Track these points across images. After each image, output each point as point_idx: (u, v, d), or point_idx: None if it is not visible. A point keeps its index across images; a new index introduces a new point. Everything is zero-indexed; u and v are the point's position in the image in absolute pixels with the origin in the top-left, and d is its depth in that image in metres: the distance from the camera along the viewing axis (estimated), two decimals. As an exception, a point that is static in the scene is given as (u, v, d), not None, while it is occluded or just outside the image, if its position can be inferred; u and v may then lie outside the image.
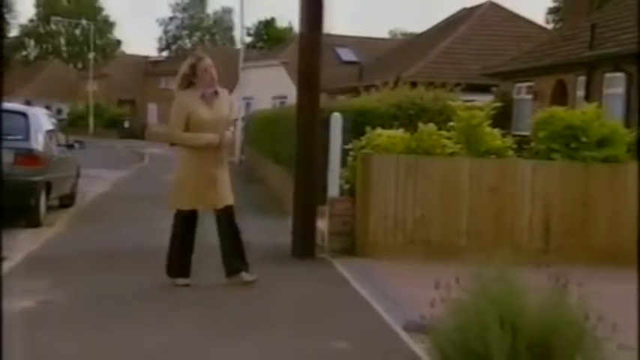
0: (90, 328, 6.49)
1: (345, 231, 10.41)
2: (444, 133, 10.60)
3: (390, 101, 14.34)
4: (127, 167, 28.68)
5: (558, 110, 10.70)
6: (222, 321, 6.89)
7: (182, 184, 8.16)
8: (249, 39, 79.79)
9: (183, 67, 8.10)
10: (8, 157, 11.76)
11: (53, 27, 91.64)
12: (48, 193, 13.15)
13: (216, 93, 8.12)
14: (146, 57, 78.42)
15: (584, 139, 10.22)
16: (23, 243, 10.66)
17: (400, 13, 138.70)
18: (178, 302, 7.57)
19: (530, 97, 22.82)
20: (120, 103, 70.74)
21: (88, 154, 23.35)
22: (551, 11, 54.93)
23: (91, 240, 11.41)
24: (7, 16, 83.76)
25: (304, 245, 10.03)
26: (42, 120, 13.79)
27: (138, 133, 62.73)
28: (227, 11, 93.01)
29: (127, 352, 5.87)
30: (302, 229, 10.07)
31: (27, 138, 12.64)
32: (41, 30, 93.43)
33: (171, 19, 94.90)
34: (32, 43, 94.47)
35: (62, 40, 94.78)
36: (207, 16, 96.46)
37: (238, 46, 47.01)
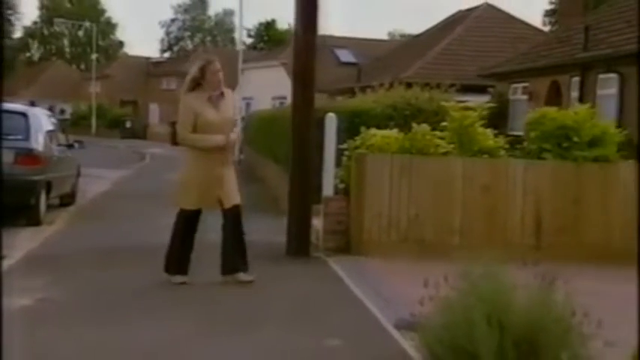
0: (87, 325, 6.48)
1: (339, 230, 10.42)
2: (438, 133, 10.61)
3: (386, 102, 14.34)
4: (128, 167, 28.70)
5: (550, 111, 10.72)
6: (218, 318, 6.90)
7: (188, 184, 8.17)
8: (249, 40, 79.94)
9: (193, 70, 8.11)
10: (8, 157, 11.79)
11: (56, 28, 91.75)
12: (48, 192, 13.17)
13: (222, 94, 8.16)
14: (148, 58, 78.37)
15: (575, 139, 10.24)
16: (23, 241, 10.65)
17: (399, 15, 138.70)
18: (175, 300, 7.57)
19: (525, 97, 22.80)
20: (122, 104, 70.70)
21: (89, 154, 23.36)
22: (548, 13, 54.97)
23: (91, 238, 11.42)
24: (11, 17, 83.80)
25: (299, 244, 10.03)
26: (42, 120, 13.81)
27: (139, 133, 62.77)
28: (228, 13, 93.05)
29: (124, 349, 5.87)
30: (297, 228, 10.07)
31: (27, 138, 12.66)
32: (45, 31, 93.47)
33: (172, 20, 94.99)
34: (36, 44, 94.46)
35: (65, 42, 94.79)
36: (209, 18, 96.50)
37: (238, 47, 46.97)
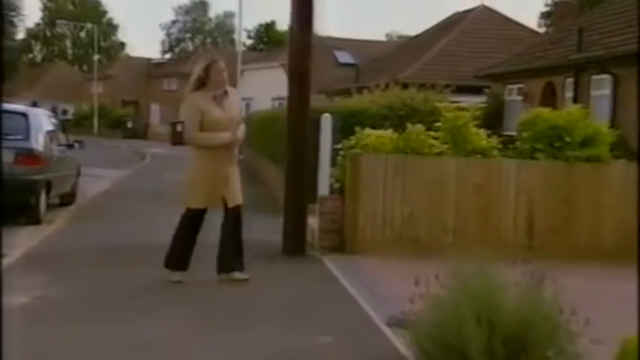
0: (83, 323, 6.49)
1: (334, 229, 10.42)
2: (432, 133, 10.62)
3: (382, 102, 14.38)
4: (129, 166, 28.68)
5: (543, 111, 10.73)
6: (214, 317, 6.90)
7: (196, 183, 8.14)
8: (250, 41, 79.98)
9: (197, 70, 8.10)
10: (9, 157, 11.79)
11: (59, 30, 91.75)
12: (48, 191, 13.16)
13: (226, 93, 8.15)
14: (149, 59, 78.41)
15: (568, 139, 10.24)
16: (23, 240, 10.64)
17: (397, 16, 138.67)
18: (173, 298, 7.57)
19: (520, 98, 22.80)
20: (124, 104, 70.72)
21: (90, 154, 23.32)
22: (544, 15, 54.97)
23: (90, 237, 11.41)
24: (14, 19, 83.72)
25: (295, 243, 10.03)
26: (42, 120, 13.80)
27: (141, 133, 62.80)
28: (229, 15, 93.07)
29: (120, 346, 5.87)
30: (293, 227, 10.07)
31: (27, 138, 12.65)
32: (47, 33, 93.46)
33: (173, 22, 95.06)
34: (38, 45, 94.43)
35: (68, 43, 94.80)
36: (209, 19, 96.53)
37: (238, 48, 46.97)
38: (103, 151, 34.75)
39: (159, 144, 48.40)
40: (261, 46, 77.63)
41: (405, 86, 16.01)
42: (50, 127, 14.14)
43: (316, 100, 20.12)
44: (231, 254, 8.20)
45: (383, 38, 71.93)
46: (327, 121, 10.69)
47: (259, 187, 18.92)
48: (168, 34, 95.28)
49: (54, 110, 70.85)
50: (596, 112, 17.21)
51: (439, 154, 10.44)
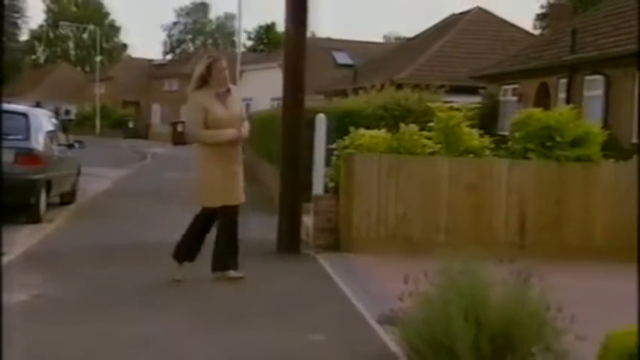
0: (80, 320, 6.50)
1: (329, 227, 10.42)
2: (425, 133, 10.62)
3: (377, 102, 14.38)
4: (129, 166, 28.66)
5: (535, 111, 10.74)
6: (208, 314, 6.91)
7: (211, 182, 8.08)
8: (250, 43, 79.93)
9: (200, 68, 8.09)
10: (9, 157, 11.81)
11: (62, 31, 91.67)
12: (48, 190, 13.17)
13: (228, 91, 8.15)
14: (150, 60, 78.42)
15: (558, 139, 10.24)
16: (23, 239, 10.64)
17: (395, 18, 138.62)
18: (168, 296, 7.59)
19: (515, 98, 22.82)
20: (125, 105, 70.70)
21: (92, 153, 23.30)
22: (539, 17, 54.92)
23: (89, 235, 11.42)
24: (18, 21, 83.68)
25: (290, 241, 10.04)
26: (42, 121, 13.81)
27: (142, 133, 62.80)
28: (229, 17, 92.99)
29: (117, 343, 5.87)
30: (287, 226, 10.08)
31: (27, 138, 12.66)
32: (50, 34, 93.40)
33: (175, 23, 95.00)
34: (42, 47, 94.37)
35: (70, 44, 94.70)
36: (210, 21, 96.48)
37: (237, 50, 47.01)
38: (104, 151, 34.73)
39: (160, 144, 48.43)
40: (261, 47, 77.55)
41: (399, 87, 16.01)
42: (50, 128, 14.15)
43: (315, 101, 20.18)
44: (226, 253, 8.19)
45: (381, 40, 72.00)
46: (321, 121, 10.70)
47: (256, 186, 18.92)
48: (169, 36, 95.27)
49: (57, 111, 70.94)
50: (588, 113, 17.26)
51: (432, 153, 10.44)
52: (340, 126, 11.75)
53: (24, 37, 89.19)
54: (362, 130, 10.73)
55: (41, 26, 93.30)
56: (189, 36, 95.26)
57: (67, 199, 15.29)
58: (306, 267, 9.39)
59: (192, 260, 8.20)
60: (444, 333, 5.11)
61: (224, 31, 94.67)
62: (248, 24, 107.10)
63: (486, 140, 10.78)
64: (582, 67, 18.90)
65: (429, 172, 10.24)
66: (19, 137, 12.43)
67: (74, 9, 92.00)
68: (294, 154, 10.10)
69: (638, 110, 16.21)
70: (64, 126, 17.05)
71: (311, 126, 10.61)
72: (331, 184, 10.73)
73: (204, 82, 8.07)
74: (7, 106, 12.46)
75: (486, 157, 10.62)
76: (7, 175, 10.81)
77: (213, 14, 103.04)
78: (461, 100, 15.96)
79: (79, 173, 16.33)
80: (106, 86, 71.84)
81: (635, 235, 10.15)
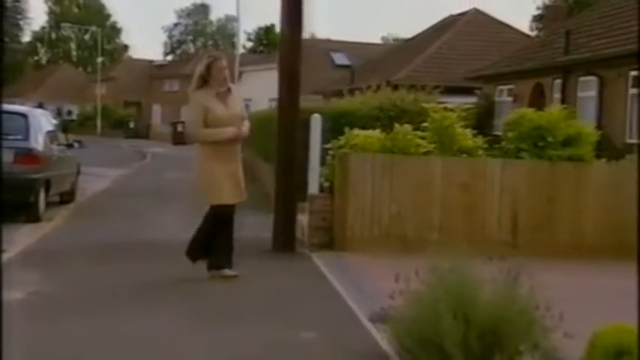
0: (75, 317, 6.48)
1: (324, 226, 10.41)
2: (419, 133, 10.61)
3: (373, 103, 14.36)
4: (129, 165, 28.63)
5: (527, 112, 10.74)
6: (202, 312, 6.90)
7: (217, 180, 8.01)
8: (250, 44, 79.91)
9: (200, 68, 8.08)
10: (9, 156, 11.83)
11: (64, 33, 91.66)
12: (47, 190, 13.16)
13: (229, 90, 8.13)
14: (151, 61, 78.44)
15: (550, 139, 10.24)
16: (22, 237, 10.64)
17: (393, 20, 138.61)
18: (164, 294, 7.57)
19: (510, 99, 22.81)
20: (126, 105, 70.70)
21: (92, 153, 23.30)
22: (536, 19, 54.88)
23: (87, 234, 11.42)
24: (20, 22, 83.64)
25: (285, 240, 10.03)
26: (42, 121, 13.81)
27: (142, 133, 62.81)
28: (230, 19, 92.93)
29: (109, 340, 5.87)
30: (283, 225, 10.07)
31: (27, 138, 12.66)
32: (52, 36, 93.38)
33: (175, 25, 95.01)
34: (44, 48, 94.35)
35: (72, 45, 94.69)
36: (211, 22, 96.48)
37: (240, 51, 47.01)
38: (104, 151, 34.74)
39: (160, 143, 48.48)
40: (261, 48, 77.54)
41: (395, 87, 16.00)
42: (50, 128, 14.17)
43: (313, 101, 20.16)
44: (221, 251, 8.18)
45: (379, 41, 71.95)
46: (316, 122, 10.70)
47: (253, 185, 18.93)
48: (170, 37, 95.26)
49: (59, 111, 71.08)
50: (582, 113, 17.27)
51: (426, 153, 10.44)
52: (336, 126, 11.73)
53: (26, 38, 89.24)
54: (356, 130, 10.72)
55: (43, 28, 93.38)
56: (190, 37, 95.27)
57: (67, 198, 15.29)
58: (301, 265, 9.38)
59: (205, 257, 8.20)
60: (434, 331, 5.10)
61: (224, 32, 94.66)
62: (249, 25, 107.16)
63: (479, 140, 10.77)
64: (576, 68, 18.90)
65: (423, 172, 10.23)
66: (19, 137, 12.44)
67: (76, 10, 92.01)
68: (289, 153, 10.09)
69: (639, 111, 16.20)
70: (66, 126, 17.08)
71: (306, 126, 10.60)
72: (326, 184, 10.72)
73: (204, 81, 8.05)
74: (7, 107, 12.45)
75: (479, 156, 10.61)
76: (6, 174, 10.82)
77: (214, 16, 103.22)
78: (457, 101, 15.96)
79: (78, 173, 16.34)
80: (108, 87, 71.81)
81: (627, 234, 10.18)
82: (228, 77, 8.20)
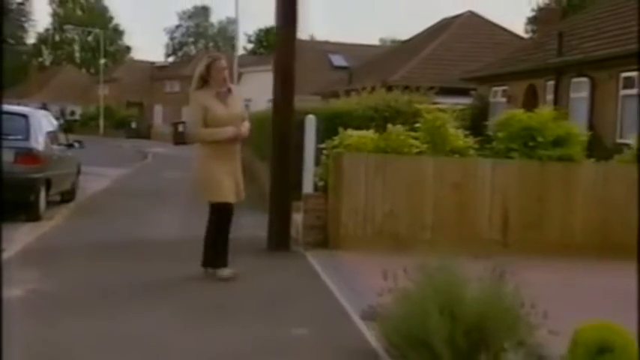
0: (72, 315, 6.47)
1: (318, 225, 10.40)
2: (412, 133, 10.61)
3: (368, 104, 14.37)
4: (130, 165, 28.61)
5: (517, 112, 10.75)
6: (197, 309, 6.89)
7: (216, 178, 7.97)
8: (250, 45, 79.92)
9: (200, 68, 8.07)
10: (9, 156, 11.84)
11: (67, 35, 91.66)
12: (47, 189, 13.15)
13: (229, 91, 8.12)
14: (152, 63, 78.46)
15: (540, 139, 10.24)
16: (22, 235, 10.62)
17: (392, 21, 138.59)
18: (160, 291, 7.56)
19: (504, 100, 22.82)
20: (128, 105, 70.74)
21: (95, 153, 23.31)
22: (530, 21, 54.86)
23: (86, 233, 11.41)
24: (25, 24, 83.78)
25: (280, 238, 10.01)
26: (42, 121, 13.80)
27: (144, 133, 62.82)
28: (231, 21, 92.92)
29: (105, 337, 5.86)
30: (278, 224, 10.05)
31: (27, 138, 12.65)
32: (56, 38, 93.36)
33: (177, 27, 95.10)
34: (48, 50, 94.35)
35: (75, 47, 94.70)
36: (212, 25, 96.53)
37: (240, 52, 47.06)
38: (106, 150, 34.74)
39: (161, 143, 48.49)
40: (261, 49, 77.54)
41: (389, 88, 16.01)
42: (50, 128, 14.16)
43: (312, 102, 20.16)
44: (217, 249, 8.17)
45: (377, 43, 71.93)
46: (311, 122, 10.70)
47: (250, 185, 18.94)
48: (171, 38, 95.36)
49: (62, 111, 71.13)
50: (575, 114, 17.29)
51: (419, 153, 10.43)
52: (331, 127, 11.72)
53: (31, 40, 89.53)
54: (350, 131, 10.72)
55: (47, 30, 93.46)
56: (191, 39, 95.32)
57: (67, 197, 15.28)
58: (295, 264, 9.36)
59: (226, 265, 8.14)
60: (421, 328, 5.10)
61: (225, 34, 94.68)
62: (249, 27, 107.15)
63: (471, 140, 10.76)
64: (568, 70, 18.91)
65: (415, 172, 10.22)
66: (19, 137, 12.44)
67: (80, 13, 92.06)
68: (284, 153, 10.07)
69: (638, 112, 16.19)
70: (69, 126, 17.08)
71: (301, 127, 10.60)
72: (320, 183, 10.72)
73: (204, 82, 8.04)
74: (7, 108, 12.47)
75: (471, 156, 10.61)
76: (7, 174, 10.83)
77: (215, 18, 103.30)
78: (453, 102, 15.99)
79: (78, 172, 16.33)
80: (110, 88, 71.88)
81: (614, 233, 10.19)
82: (228, 77, 8.19)
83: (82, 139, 18.01)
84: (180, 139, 50.60)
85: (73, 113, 73.38)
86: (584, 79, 18.07)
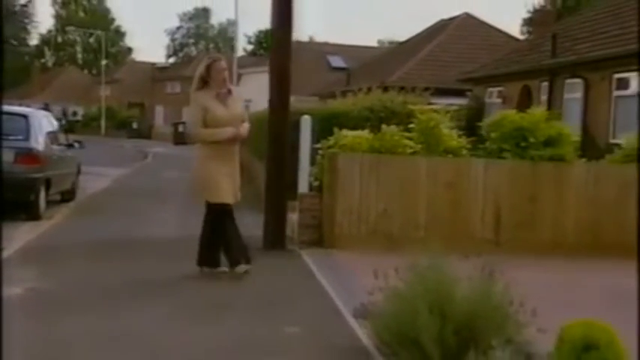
0: (69, 313, 6.47)
1: (313, 224, 10.40)
2: (406, 134, 10.61)
3: (364, 104, 14.37)
4: (130, 165, 28.60)
5: (509, 113, 10.75)
6: (191, 307, 6.88)
7: (214, 179, 7.97)
8: (250, 47, 79.87)
9: (200, 69, 8.07)
10: (9, 156, 11.85)
11: (70, 36, 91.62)
12: (47, 188, 13.15)
13: (229, 92, 8.11)
14: (153, 64, 78.45)
15: (532, 139, 10.24)
16: (21, 234, 10.62)
17: (391, 24, 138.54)
18: (156, 289, 7.57)
19: (500, 100, 22.80)
20: (130, 106, 70.70)
21: (95, 152, 23.29)
22: (526, 22, 54.81)
23: (85, 231, 11.42)
24: (28, 26, 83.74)
25: (275, 237, 10.02)
26: (42, 122, 13.80)
27: (145, 133, 62.84)
28: (231, 23, 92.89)
29: (100, 335, 5.85)
30: (273, 223, 10.05)
31: (27, 138, 12.66)
32: (59, 39, 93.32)
33: (178, 28, 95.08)
34: (50, 51, 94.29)
35: (78, 48, 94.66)
36: (212, 26, 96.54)
37: (239, 53, 47.04)
38: (107, 150, 34.72)
39: (162, 143, 48.49)
40: (261, 51, 77.51)
41: (385, 89, 16.01)
42: (50, 128, 14.16)
43: (310, 102, 20.14)
44: (211, 248, 8.18)
45: (376, 44, 71.89)
46: (306, 123, 10.70)
47: (248, 185, 18.93)
48: (172, 40, 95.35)
49: (64, 112, 71.09)
50: (569, 114, 17.28)
51: (413, 153, 10.44)
52: (328, 127, 11.72)
53: (34, 41, 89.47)
54: (345, 131, 10.73)
55: (50, 31, 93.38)
56: (192, 40, 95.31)
57: (67, 196, 15.29)
58: (290, 262, 9.36)
59: (248, 262, 8.13)
60: (411, 326, 5.10)
61: (225, 35, 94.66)
62: (249, 29, 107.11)
63: (464, 141, 10.77)
64: (562, 71, 18.89)
65: (409, 172, 10.22)
66: (19, 137, 12.45)
67: (82, 15, 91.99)
68: (279, 153, 10.07)
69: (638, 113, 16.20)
70: (71, 127, 17.09)
71: (297, 127, 10.60)
72: (316, 183, 10.72)
73: (204, 82, 8.04)
74: (8, 108, 12.48)
75: (464, 156, 10.61)
76: (7, 173, 10.87)
77: (215, 20, 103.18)
78: (449, 102, 15.98)
79: (78, 172, 16.34)
80: (112, 88, 71.85)
81: (605, 232, 10.20)
82: (228, 78, 8.18)
83: (83, 139, 18.05)
84: (180, 139, 50.82)
85: (75, 114, 73.35)
86: (578, 80, 18.05)
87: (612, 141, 15.88)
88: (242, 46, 77.79)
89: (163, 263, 8.87)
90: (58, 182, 13.98)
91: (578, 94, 18.05)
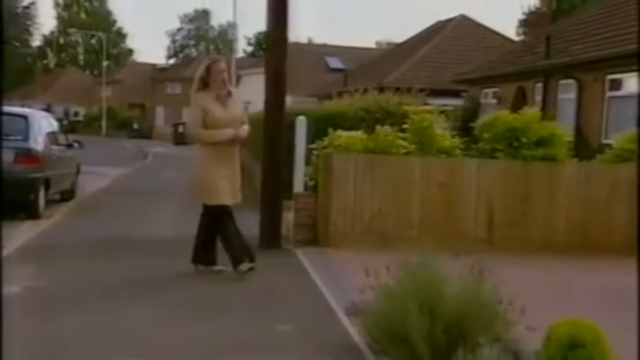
0: (67, 311, 6.47)
1: (308, 223, 10.40)
2: (400, 134, 10.61)
3: (360, 105, 14.37)
4: (130, 164, 28.58)
5: (502, 114, 10.75)
6: (189, 306, 6.88)
7: (214, 181, 7.94)
8: (249, 48, 79.92)
9: (200, 70, 8.07)
10: (9, 156, 11.86)
11: (72, 38, 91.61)
12: (47, 188, 13.15)
13: (229, 93, 8.10)
14: (154, 65, 78.48)
15: (524, 139, 10.24)
16: (21, 233, 10.61)
17: (389, 25, 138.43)
18: (153, 287, 7.57)
19: (495, 101, 22.80)
20: (131, 107, 70.72)
21: (96, 152, 23.27)
22: (522, 24, 54.79)
23: (84, 230, 11.41)
24: (30, 27, 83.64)
25: (271, 237, 10.00)
26: (42, 122, 13.80)
27: (146, 133, 62.86)
28: (232, 25, 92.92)
29: (96, 333, 5.86)
30: (269, 222, 10.04)
31: (26, 138, 12.66)
32: (61, 40, 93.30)
33: (178, 30, 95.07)
34: (52, 52, 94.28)
35: (79, 50, 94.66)
36: (212, 28, 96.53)
37: (239, 55, 47.07)
38: (108, 150, 34.72)
39: (162, 144, 48.51)
40: (260, 52, 77.51)
41: (381, 90, 16.00)
42: (49, 129, 14.16)
43: (308, 103, 20.14)
44: (206, 246, 8.18)
45: (374, 45, 71.92)
46: (301, 123, 10.70)
47: (247, 185, 18.92)
48: (173, 41, 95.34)
49: (66, 112, 71.11)
50: (562, 115, 17.30)
51: (407, 153, 10.43)
52: (324, 127, 11.71)
53: (36, 43, 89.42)
54: (340, 132, 10.73)
55: (52, 33, 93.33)
56: (192, 42, 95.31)
57: (67, 196, 15.29)
58: (286, 261, 9.36)
59: (252, 260, 8.11)
60: (401, 324, 5.10)
61: (225, 37, 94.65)
62: (249, 30, 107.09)
63: (457, 141, 10.77)
64: (556, 72, 18.90)
65: (403, 171, 10.22)
66: (19, 138, 12.45)
67: (84, 16, 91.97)
68: (275, 153, 10.07)
69: (638, 113, 16.20)
70: (73, 127, 17.10)
71: (292, 128, 10.60)
72: (311, 183, 10.72)
73: (205, 84, 8.03)
74: (8, 109, 12.48)
75: (457, 156, 10.61)
76: (7, 173, 10.85)
77: (216, 21, 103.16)
78: (445, 103, 15.97)
79: (78, 172, 16.33)
80: (113, 89, 71.87)
81: (595, 231, 10.20)
82: (227, 80, 8.18)
83: (85, 139, 18.07)
84: (180, 139, 50.82)
85: (76, 114, 73.38)
86: (572, 81, 18.07)
87: (605, 141, 15.88)
88: (242, 48, 77.83)
89: (162, 262, 8.86)
90: (58, 182, 13.98)
91: (572, 95, 18.06)
